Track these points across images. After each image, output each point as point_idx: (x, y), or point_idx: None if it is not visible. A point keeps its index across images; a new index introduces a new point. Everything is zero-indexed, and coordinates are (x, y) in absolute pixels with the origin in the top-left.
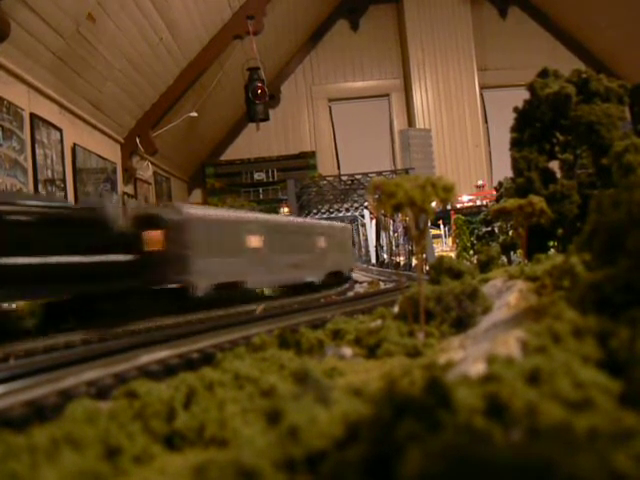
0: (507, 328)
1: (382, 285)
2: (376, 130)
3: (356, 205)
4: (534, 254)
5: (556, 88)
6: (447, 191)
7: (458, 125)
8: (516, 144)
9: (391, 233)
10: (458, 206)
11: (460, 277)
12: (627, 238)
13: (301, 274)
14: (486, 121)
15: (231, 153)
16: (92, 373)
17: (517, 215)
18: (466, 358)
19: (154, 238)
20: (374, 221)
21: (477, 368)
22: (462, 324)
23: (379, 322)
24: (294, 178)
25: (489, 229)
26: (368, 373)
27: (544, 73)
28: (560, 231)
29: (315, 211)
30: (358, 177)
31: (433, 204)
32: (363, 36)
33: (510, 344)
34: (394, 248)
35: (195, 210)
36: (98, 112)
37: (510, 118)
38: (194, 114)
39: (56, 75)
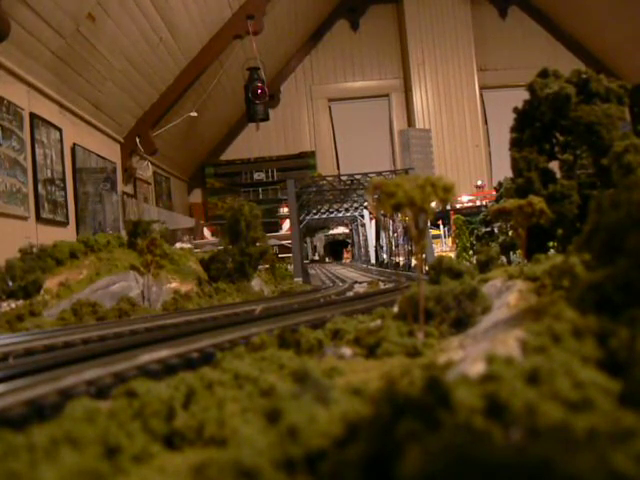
0: (507, 328)
1: (382, 285)
2: (376, 130)
3: (356, 205)
4: (534, 254)
5: (556, 88)
6: (447, 191)
7: (458, 125)
8: (516, 144)
9: (390, 233)
10: (458, 206)
11: (460, 277)
12: (627, 238)
13: None
14: (486, 121)
15: (231, 153)
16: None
17: (517, 215)
18: (466, 358)
19: None
20: (373, 221)
21: (477, 368)
22: (462, 324)
23: (379, 322)
24: (294, 178)
25: (489, 229)
26: (367, 373)
27: (544, 73)
28: (560, 231)
29: (315, 211)
30: (358, 177)
31: (433, 204)
32: (363, 36)
33: (510, 344)
34: (393, 248)
35: None
36: (98, 112)
37: (510, 118)
38: (194, 114)
39: (56, 75)
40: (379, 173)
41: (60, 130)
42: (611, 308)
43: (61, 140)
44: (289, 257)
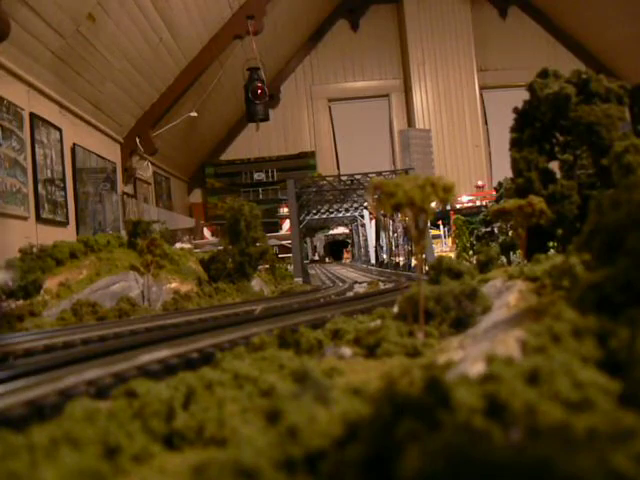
0: (507, 328)
1: (382, 285)
2: (376, 130)
3: (356, 205)
4: (534, 254)
5: (556, 88)
6: (447, 191)
7: (458, 125)
8: (516, 144)
9: (390, 233)
10: (458, 206)
11: (460, 277)
12: (627, 238)
13: None
14: (486, 121)
15: (231, 153)
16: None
17: (517, 215)
18: (465, 358)
19: None
20: (373, 221)
21: (476, 368)
22: (461, 324)
23: (378, 322)
24: (294, 178)
25: (489, 229)
26: (367, 373)
27: (544, 73)
28: (560, 231)
29: (315, 211)
30: (358, 177)
31: (433, 204)
32: (363, 36)
33: (509, 344)
34: (393, 248)
35: None
36: (98, 112)
37: (510, 118)
38: (194, 114)
39: (56, 75)
40: (379, 173)
41: (60, 130)
42: (611, 308)
43: (61, 140)
44: (289, 257)
